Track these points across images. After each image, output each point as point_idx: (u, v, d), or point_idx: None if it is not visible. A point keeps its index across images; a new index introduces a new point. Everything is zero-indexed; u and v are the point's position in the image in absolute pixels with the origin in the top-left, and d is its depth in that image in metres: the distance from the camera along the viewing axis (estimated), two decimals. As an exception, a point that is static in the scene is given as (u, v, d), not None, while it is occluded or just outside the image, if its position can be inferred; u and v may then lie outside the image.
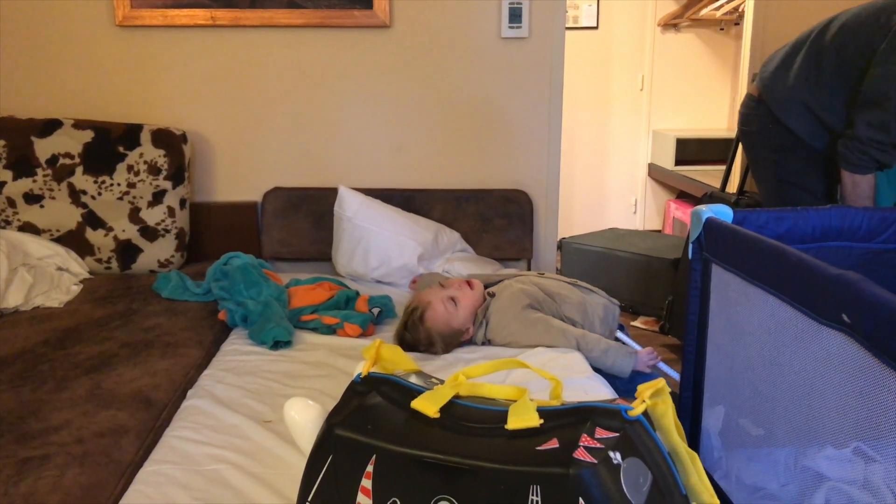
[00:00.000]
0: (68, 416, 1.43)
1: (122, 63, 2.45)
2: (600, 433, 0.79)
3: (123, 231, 2.33)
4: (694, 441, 1.75)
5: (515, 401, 0.90)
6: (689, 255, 1.70)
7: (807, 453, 1.37)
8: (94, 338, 1.81)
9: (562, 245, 3.52)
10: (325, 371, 1.69)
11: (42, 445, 1.32)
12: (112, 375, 1.61)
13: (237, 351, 1.80)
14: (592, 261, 3.46)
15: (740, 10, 3.83)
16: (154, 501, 1.18)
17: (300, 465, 0.96)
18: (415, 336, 1.80)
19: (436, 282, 1.97)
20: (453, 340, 1.82)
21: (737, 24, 4.43)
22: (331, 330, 1.92)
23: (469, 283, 1.88)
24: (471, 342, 1.87)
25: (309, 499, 0.93)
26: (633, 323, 3.30)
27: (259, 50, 2.46)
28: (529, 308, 1.83)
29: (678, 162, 4.34)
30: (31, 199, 2.29)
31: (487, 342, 1.85)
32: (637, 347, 1.86)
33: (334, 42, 2.46)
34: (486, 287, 1.94)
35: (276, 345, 1.82)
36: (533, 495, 0.76)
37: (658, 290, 3.21)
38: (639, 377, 1.83)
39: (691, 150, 4.34)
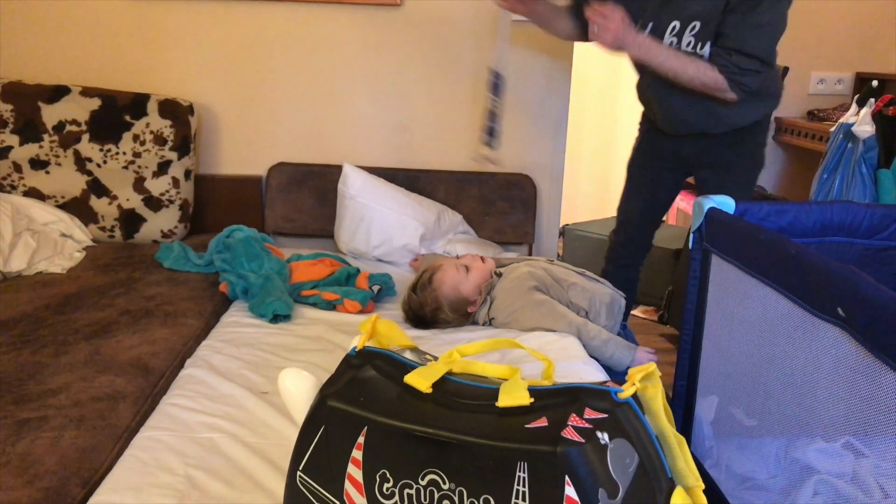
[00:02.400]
0: (67, 379, 1.44)
1: (131, 32, 2.44)
2: (589, 413, 0.79)
3: (128, 200, 2.33)
4: (686, 430, 1.76)
5: (507, 379, 0.91)
6: (690, 245, 1.70)
7: (797, 445, 1.38)
8: (95, 304, 1.82)
9: (564, 231, 3.52)
10: (323, 345, 1.70)
11: (40, 407, 1.34)
12: (111, 342, 1.62)
13: (237, 323, 1.82)
14: (594, 248, 3.45)
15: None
16: (148, 466, 1.19)
17: (293, 436, 0.97)
18: (422, 298, 1.80)
19: (438, 260, 1.98)
20: (460, 308, 1.82)
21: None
22: (330, 305, 1.93)
23: (482, 259, 1.90)
24: (473, 321, 1.87)
25: (300, 468, 0.94)
26: (632, 312, 3.30)
27: (268, 24, 2.45)
28: (535, 290, 1.84)
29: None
30: (37, 164, 2.29)
31: (490, 322, 1.86)
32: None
33: (344, 18, 2.45)
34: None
35: (276, 318, 1.83)
36: (520, 472, 0.77)
37: (658, 279, 3.21)
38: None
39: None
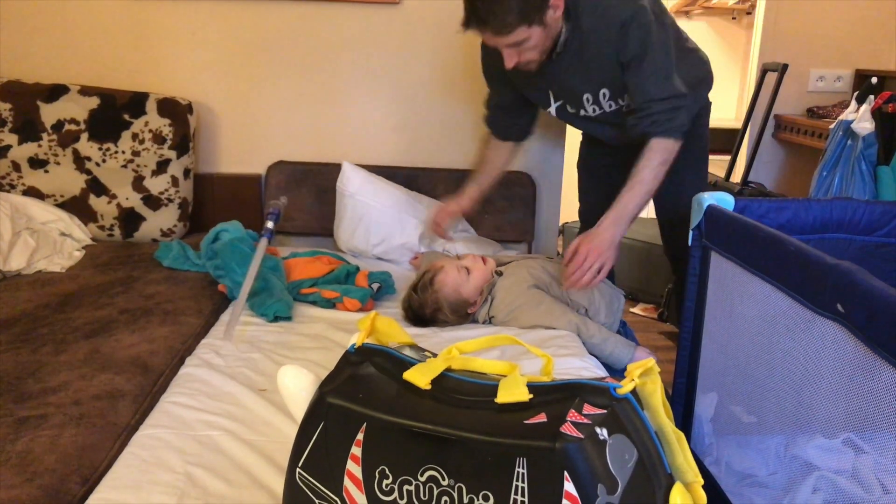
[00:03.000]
0: (66, 378, 1.44)
1: (129, 31, 2.44)
2: (588, 409, 0.79)
3: (127, 199, 2.33)
4: (686, 427, 1.76)
5: (506, 376, 0.91)
6: (689, 242, 1.70)
7: (797, 442, 1.38)
8: (95, 303, 1.82)
9: (564, 229, 3.52)
10: (323, 343, 1.70)
11: (39, 406, 1.34)
12: (111, 340, 1.62)
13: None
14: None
15: (753, -1, 3.81)
16: (148, 464, 1.19)
17: (293, 433, 0.97)
18: (422, 298, 1.80)
19: (438, 259, 1.98)
20: (460, 309, 1.82)
21: (749, 13, 4.39)
22: (330, 304, 1.93)
23: (483, 259, 1.90)
24: (473, 319, 1.87)
25: (300, 465, 0.94)
26: (632, 310, 3.31)
27: (267, 22, 2.45)
28: (535, 288, 1.84)
29: (684, 150, 4.32)
30: (36, 163, 2.29)
31: (489, 321, 1.86)
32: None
33: (342, 16, 2.45)
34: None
35: (276, 318, 1.82)
36: (519, 467, 0.77)
37: (658, 277, 3.21)
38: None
39: (698, 140, 4.31)
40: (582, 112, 1.92)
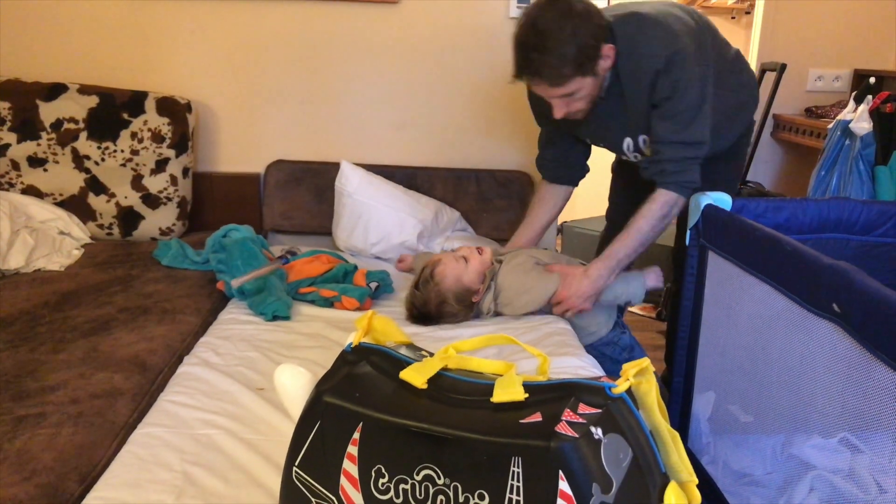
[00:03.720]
0: (65, 376, 1.44)
1: (129, 29, 2.44)
2: (583, 409, 0.80)
3: (126, 198, 2.34)
4: (683, 426, 1.76)
5: (502, 375, 0.91)
6: (687, 242, 1.70)
7: (794, 442, 1.38)
8: (93, 302, 1.82)
9: (563, 228, 3.52)
10: (321, 342, 1.70)
11: (38, 404, 1.34)
12: (109, 339, 1.62)
13: (234, 320, 1.82)
14: (592, 245, 3.45)
15: (752, -2, 3.81)
16: (146, 462, 1.19)
17: (290, 432, 0.98)
18: (426, 294, 1.80)
19: (430, 257, 1.99)
20: (465, 298, 1.82)
21: (748, 13, 4.40)
22: (328, 303, 1.93)
23: (479, 249, 1.90)
24: (477, 312, 1.87)
25: (296, 464, 0.95)
26: (630, 308, 3.31)
27: (266, 21, 2.45)
28: (538, 265, 1.87)
29: (683, 150, 4.32)
30: (35, 162, 2.30)
31: (494, 311, 1.87)
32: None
33: (341, 16, 2.45)
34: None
35: (275, 317, 1.83)
36: (514, 466, 0.78)
37: (657, 276, 3.21)
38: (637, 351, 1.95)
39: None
40: (623, 157, 1.92)
